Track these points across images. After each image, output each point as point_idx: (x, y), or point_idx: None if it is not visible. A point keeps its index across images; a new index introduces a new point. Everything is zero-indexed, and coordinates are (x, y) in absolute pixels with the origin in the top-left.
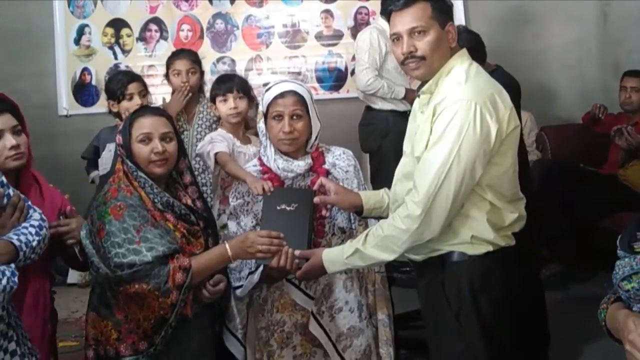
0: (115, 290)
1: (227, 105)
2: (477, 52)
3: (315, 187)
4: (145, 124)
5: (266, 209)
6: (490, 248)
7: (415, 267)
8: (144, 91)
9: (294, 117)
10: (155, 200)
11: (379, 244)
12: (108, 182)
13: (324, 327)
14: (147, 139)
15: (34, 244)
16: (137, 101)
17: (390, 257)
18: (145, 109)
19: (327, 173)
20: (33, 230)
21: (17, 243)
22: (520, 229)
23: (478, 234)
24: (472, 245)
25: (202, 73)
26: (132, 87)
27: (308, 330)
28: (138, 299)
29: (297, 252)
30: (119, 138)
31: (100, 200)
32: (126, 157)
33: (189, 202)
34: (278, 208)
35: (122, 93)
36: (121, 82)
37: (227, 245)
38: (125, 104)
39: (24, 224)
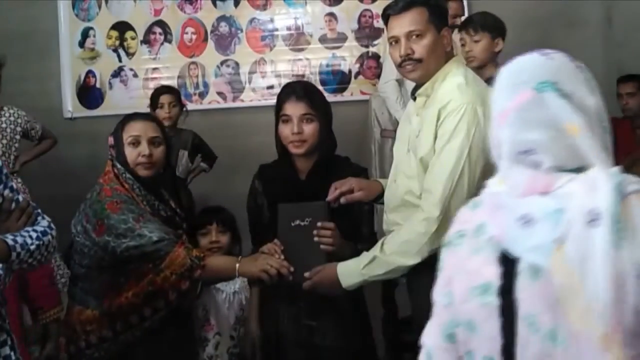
0: (122, 273)
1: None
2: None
3: (329, 198)
4: (135, 128)
5: (281, 226)
6: None
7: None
8: (174, 102)
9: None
10: (144, 202)
11: (398, 249)
12: (99, 182)
13: None
14: (135, 141)
15: (32, 247)
16: (165, 110)
17: (410, 261)
18: (137, 114)
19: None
20: (34, 235)
21: (10, 243)
22: None
23: None
24: None
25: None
26: (164, 98)
27: None
28: (143, 276)
29: (307, 274)
30: (110, 140)
31: (94, 198)
32: (116, 159)
33: (173, 205)
34: (292, 224)
35: (156, 102)
36: (156, 92)
37: (239, 258)
38: (157, 111)
39: (26, 228)
